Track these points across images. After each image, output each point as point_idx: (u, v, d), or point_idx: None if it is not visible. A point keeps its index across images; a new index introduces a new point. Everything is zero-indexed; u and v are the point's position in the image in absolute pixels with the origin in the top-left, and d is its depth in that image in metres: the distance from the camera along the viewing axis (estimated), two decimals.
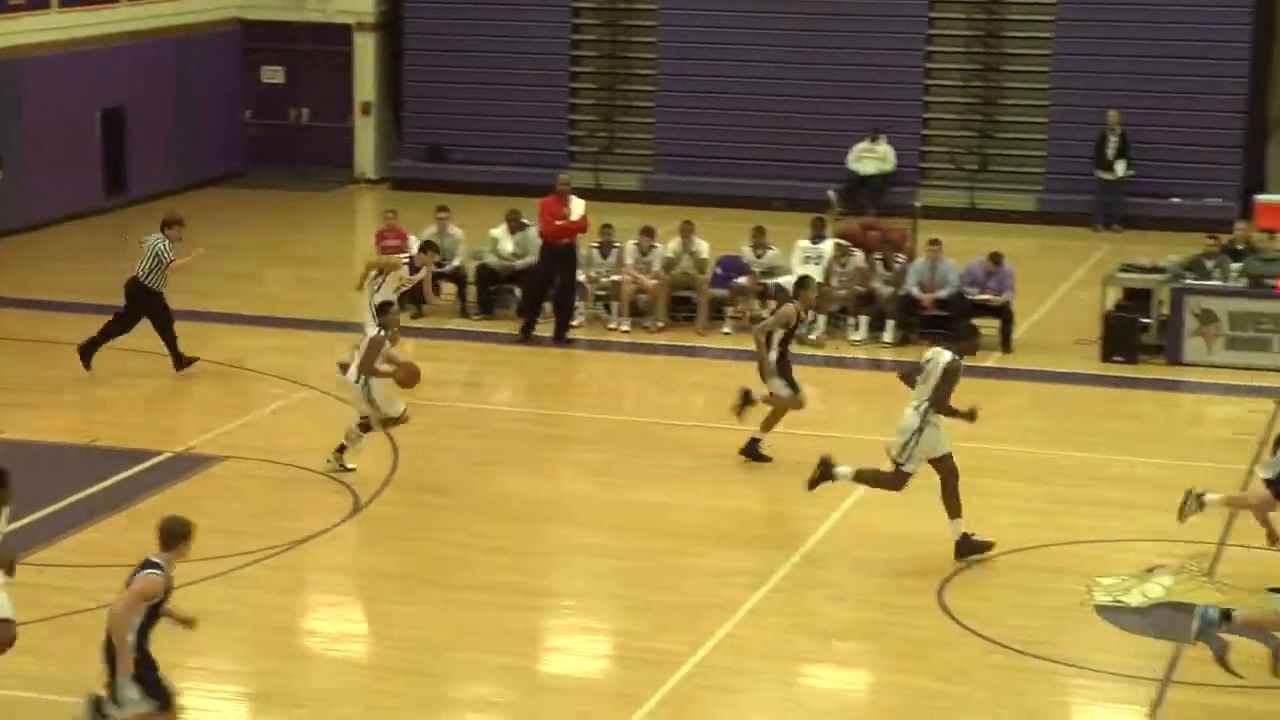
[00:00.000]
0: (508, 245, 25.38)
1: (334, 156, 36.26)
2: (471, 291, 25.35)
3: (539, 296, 24.26)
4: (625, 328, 24.56)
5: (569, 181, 24.88)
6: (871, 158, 32.52)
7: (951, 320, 23.44)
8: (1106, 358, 23.17)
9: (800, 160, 32.48)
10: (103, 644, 11.44)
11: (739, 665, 14.11)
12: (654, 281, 24.85)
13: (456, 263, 25.44)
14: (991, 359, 23.15)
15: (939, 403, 16.06)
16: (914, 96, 33.12)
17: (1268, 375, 22.26)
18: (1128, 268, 24.56)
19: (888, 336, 24.04)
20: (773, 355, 18.68)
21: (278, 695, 13.55)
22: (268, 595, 15.26)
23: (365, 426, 18.14)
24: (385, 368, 17.80)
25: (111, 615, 11.36)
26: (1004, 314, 23.84)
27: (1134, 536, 16.88)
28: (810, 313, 18.75)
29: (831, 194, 28.25)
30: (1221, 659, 13.73)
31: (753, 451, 18.89)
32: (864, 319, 24.29)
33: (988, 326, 23.85)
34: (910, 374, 16.60)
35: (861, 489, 16.95)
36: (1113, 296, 24.15)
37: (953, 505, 16.26)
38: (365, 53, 36.04)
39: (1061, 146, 32.15)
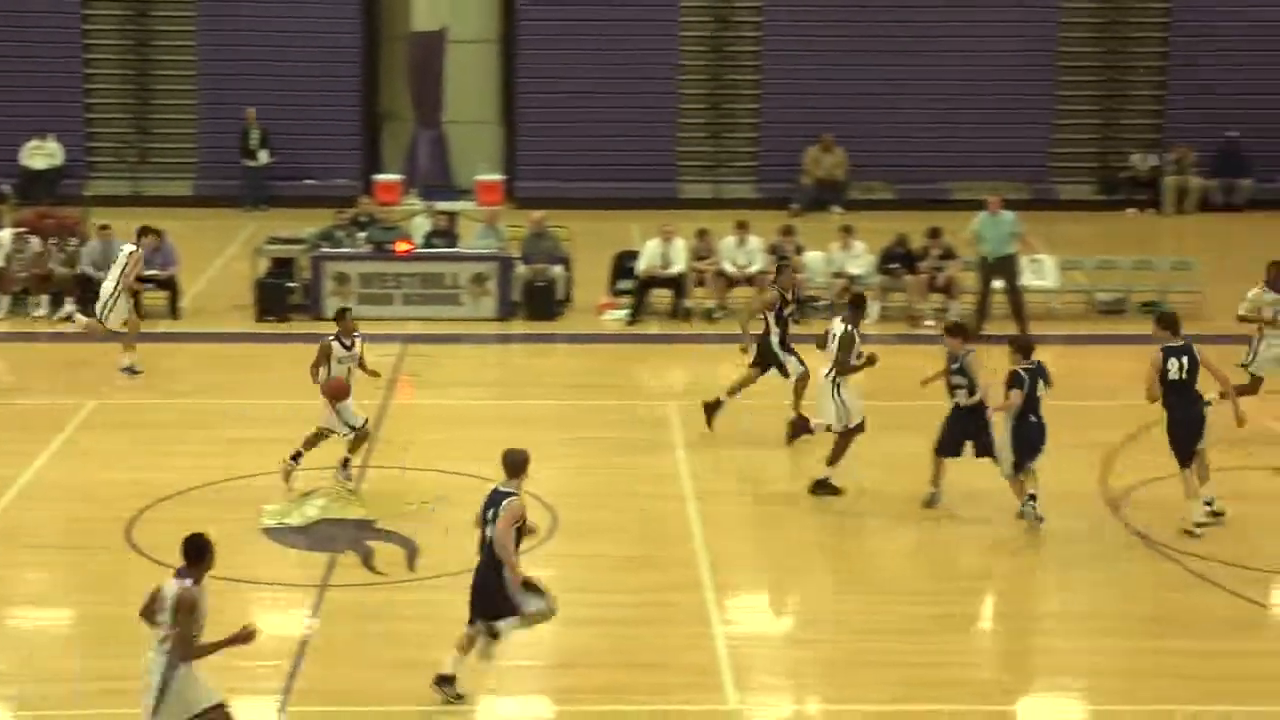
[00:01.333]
0: None
1: None
2: None
3: None
4: None
5: None
6: (41, 154, 31.27)
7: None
8: (260, 318, 23.32)
9: None
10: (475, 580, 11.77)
11: None
12: None
13: None
14: (161, 325, 22.82)
15: (840, 365, 16.10)
16: (75, 98, 32.05)
17: (393, 324, 22.98)
18: (273, 240, 24.76)
19: (66, 311, 23.36)
20: (774, 337, 17.90)
21: None
22: None
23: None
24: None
25: (498, 543, 11.62)
26: (171, 286, 23.60)
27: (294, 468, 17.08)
28: (791, 293, 18.14)
29: (6, 188, 27.04)
30: (367, 562, 14.23)
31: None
32: (45, 298, 23.51)
33: (156, 298, 23.52)
34: (822, 339, 16.74)
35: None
36: (262, 266, 24.28)
37: (837, 453, 16.30)
38: None
39: (211, 139, 31.91)
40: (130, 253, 20.53)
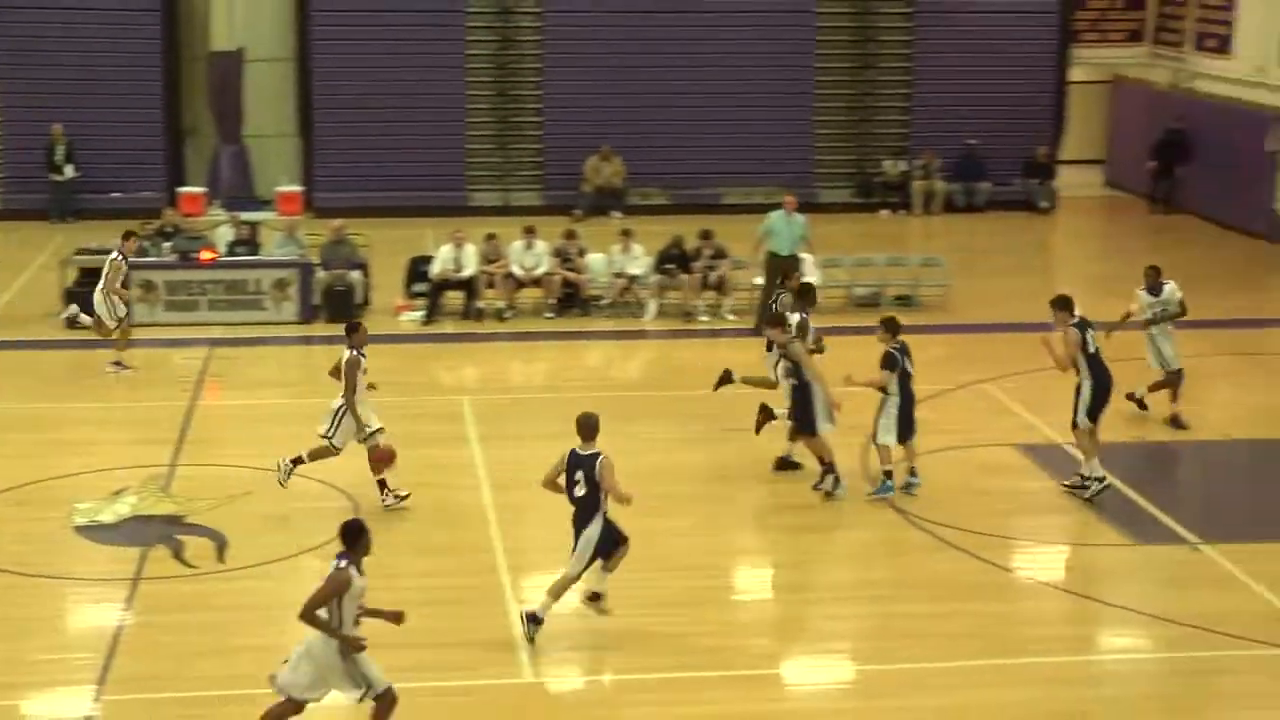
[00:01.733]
0: None
1: None
2: None
3: None
4: None
5: None
6: None
7: None
8: (71, 325, 22.67)
9: None
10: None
11: None
12: None
13: None
14: None
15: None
16: None
17: (200, 329, 22.62)
18: (81, 251, 24.13)
19: None
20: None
21: None
22: None
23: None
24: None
25: (615, 494, 12.33)
26: None
27: (104, 467, 16.76)
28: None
29: None
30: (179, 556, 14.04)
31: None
32: None
33: None
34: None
35: None
36: (71, 276, 23.67)
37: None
38: None
39: (17, 155, 30.98)
40: (111, 259, 20.33)
